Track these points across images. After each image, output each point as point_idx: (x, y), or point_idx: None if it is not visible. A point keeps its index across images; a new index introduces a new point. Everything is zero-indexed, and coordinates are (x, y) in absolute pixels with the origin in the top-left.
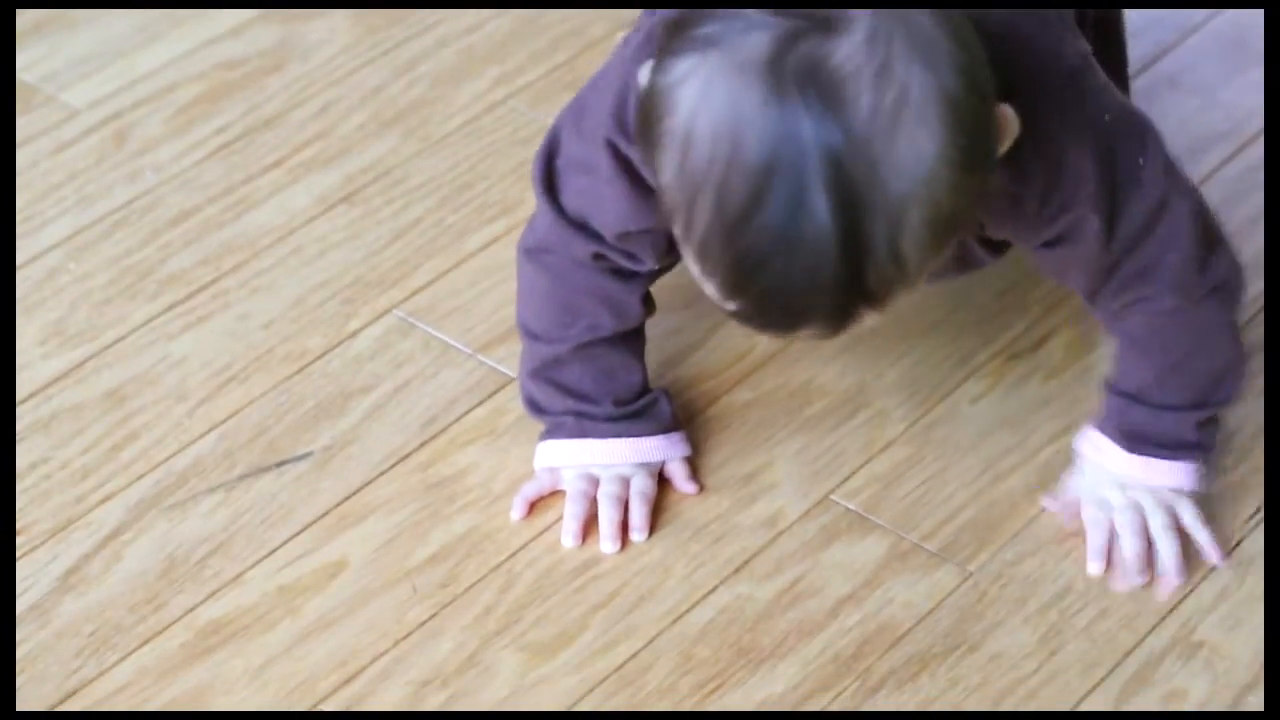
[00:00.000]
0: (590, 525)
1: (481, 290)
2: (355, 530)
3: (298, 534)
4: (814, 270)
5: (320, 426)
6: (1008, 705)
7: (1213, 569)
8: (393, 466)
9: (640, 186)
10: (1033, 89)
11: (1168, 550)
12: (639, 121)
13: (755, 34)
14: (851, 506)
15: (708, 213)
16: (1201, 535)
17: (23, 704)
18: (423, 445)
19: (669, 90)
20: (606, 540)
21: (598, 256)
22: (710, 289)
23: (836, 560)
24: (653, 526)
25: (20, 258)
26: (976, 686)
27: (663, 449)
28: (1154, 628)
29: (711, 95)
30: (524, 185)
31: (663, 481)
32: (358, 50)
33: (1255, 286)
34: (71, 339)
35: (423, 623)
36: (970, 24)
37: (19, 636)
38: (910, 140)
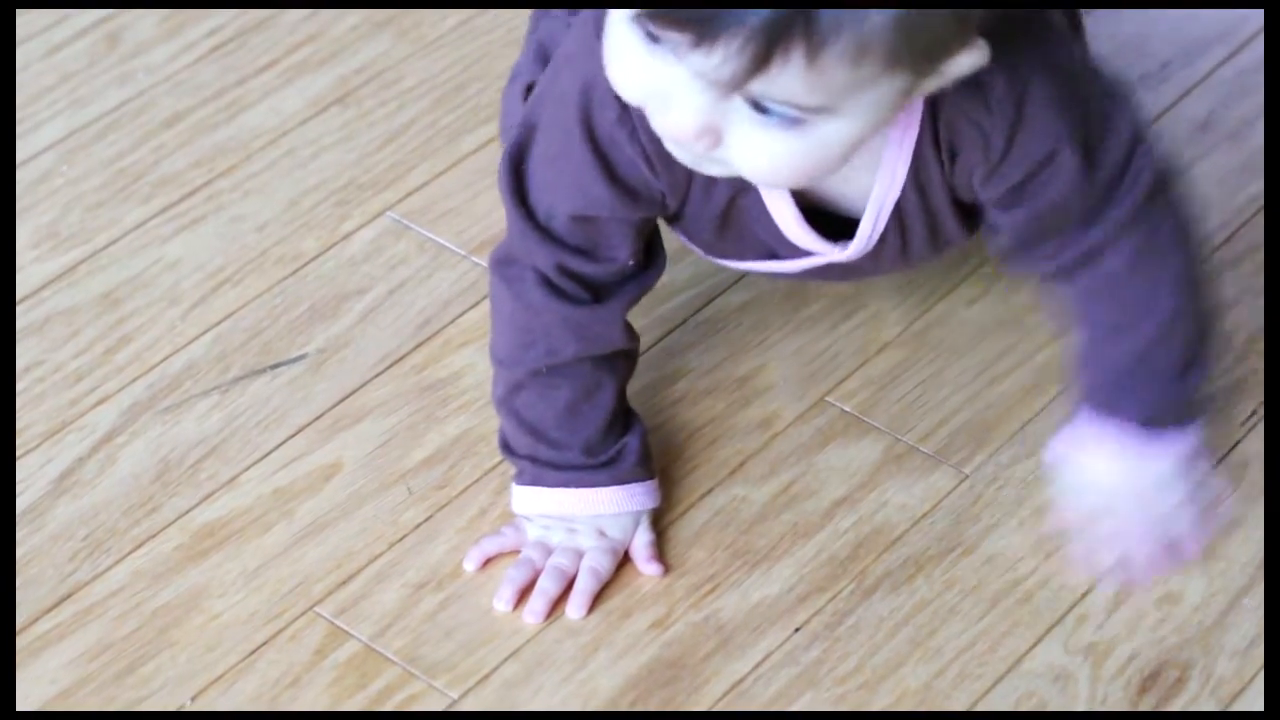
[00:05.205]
0: (527, 592)
1: (476, 192)
2: (350, 432)
3: (292, 436)
4: None
5: (314, 329)
6: (1003, 607)
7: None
8: (387, 369)
9: (610, 174)
10: (1013, 30)
11: (1189, 532)
12: None
13: None
14: (847, 408)
15: None
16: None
17: (18, 606)
18: (417, 347)
19: None
20: (529, 613)
21: (561, 269)
22: None
23: (832, 462)
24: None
25: None
26: (972, 589)
27: (618, 502)
28: None
29: None
30: None
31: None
32: None
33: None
34: (65, 242)
35: (418, 525)
36: None
37: None
38: None
